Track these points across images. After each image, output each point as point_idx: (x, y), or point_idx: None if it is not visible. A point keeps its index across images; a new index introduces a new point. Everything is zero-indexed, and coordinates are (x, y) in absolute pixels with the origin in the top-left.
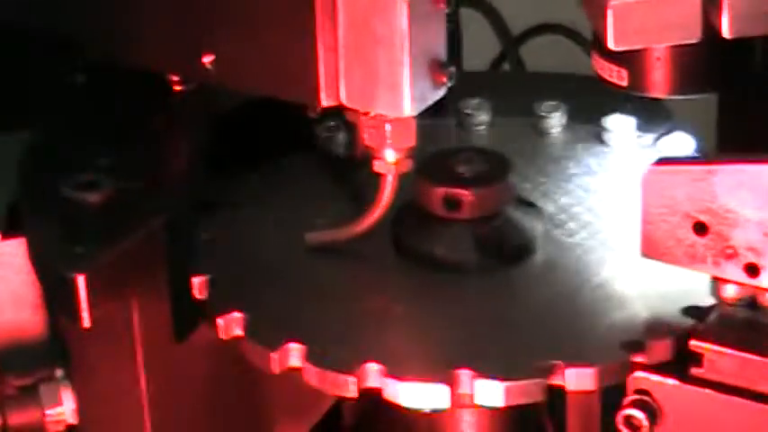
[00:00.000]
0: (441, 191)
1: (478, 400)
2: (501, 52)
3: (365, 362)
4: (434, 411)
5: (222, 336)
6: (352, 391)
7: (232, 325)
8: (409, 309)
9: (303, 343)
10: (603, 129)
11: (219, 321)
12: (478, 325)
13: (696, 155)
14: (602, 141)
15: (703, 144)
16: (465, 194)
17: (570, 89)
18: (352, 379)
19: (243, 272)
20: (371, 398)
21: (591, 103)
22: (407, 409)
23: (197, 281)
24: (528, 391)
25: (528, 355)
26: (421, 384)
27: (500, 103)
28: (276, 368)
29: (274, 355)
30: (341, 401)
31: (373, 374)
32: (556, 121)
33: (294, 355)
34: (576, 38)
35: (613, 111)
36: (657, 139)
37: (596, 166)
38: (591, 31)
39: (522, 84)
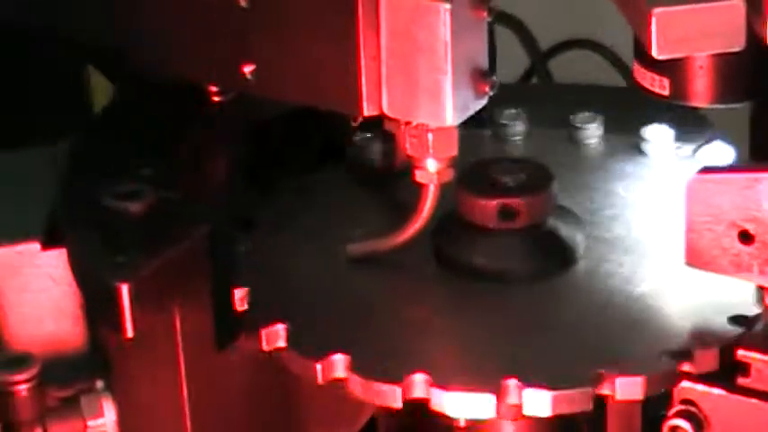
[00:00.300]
0: (495, 201)
1: (526, 410)
2: (530, 67)
3: (411, 372)
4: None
5: (265, 347)
6: (396, 401)
7: (275, 337)
8: (453, 319)
9: (348, 354)
10: (642, 139)
11: (263, 333)
12: (525, 334)
13: (739, 163)
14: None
15: (742, 153)
16: (520, 204)
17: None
18: (397, 389)
19: (284, 286)
20: (408, 411)
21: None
22: (444, 422)
23: (238, 294)
24: (575, 400)
25: (574, 365)
26: (467, 394)
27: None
28: (321, 379)
29: (318, 366)
30: (377, 415)
31: (419, 385)
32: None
33: (339, 366)
34: (603, 52)
35: (651, 121)
36: (696, 149)
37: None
38: (616, 47)
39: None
